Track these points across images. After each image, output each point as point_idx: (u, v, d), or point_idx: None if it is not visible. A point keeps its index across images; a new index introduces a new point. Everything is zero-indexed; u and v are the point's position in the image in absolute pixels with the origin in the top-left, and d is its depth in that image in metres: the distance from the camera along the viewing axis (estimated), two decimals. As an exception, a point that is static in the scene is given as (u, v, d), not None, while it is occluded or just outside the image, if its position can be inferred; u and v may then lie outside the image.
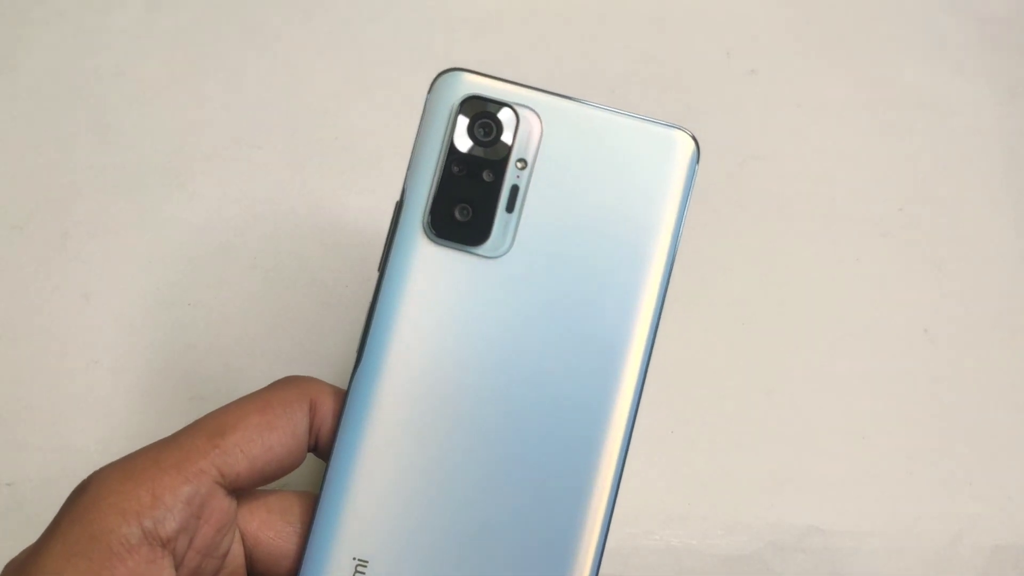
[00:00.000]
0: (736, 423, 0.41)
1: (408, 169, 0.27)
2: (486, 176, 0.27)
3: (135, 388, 0.40)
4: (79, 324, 0.41)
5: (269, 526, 0.26)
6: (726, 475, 0.40)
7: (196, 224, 0.42)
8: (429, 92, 0.27)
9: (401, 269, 0.27)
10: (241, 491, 0.26)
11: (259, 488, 0.27)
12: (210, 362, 0.40)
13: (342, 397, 0.27)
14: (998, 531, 0.41)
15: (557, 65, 0.45)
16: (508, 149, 0.26)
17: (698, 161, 0.27)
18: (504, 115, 0.27)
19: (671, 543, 0.40)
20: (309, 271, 0.42)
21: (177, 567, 0.24)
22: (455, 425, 0.26)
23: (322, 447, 0.27)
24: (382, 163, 0.43)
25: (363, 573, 0.26)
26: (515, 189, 0.27)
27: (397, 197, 0.27)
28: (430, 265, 0.26)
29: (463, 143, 0.27)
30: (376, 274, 0.27)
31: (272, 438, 0.26)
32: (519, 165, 0.27)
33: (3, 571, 0.24)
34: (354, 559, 0.26)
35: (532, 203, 0.27)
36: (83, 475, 0.39)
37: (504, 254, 0.27)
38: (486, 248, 0.26)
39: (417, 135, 0.27)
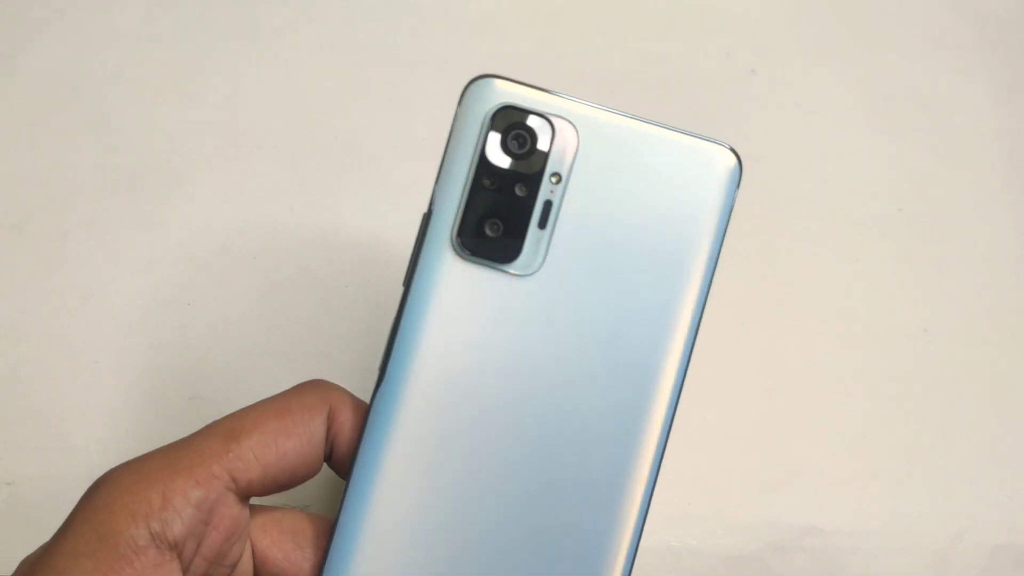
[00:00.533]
0: (736, 423, 0.41)
1: (437, 181, 0.26)
2: (519, 190, 0.25)
3: (135, 388, 0.40)
4: (79, 324, 0.41)
5: (279, 546, 0.26)
6: (726, 475, 0.40)
7: (196, 224, 0.42)
8: (460, 100, 0.26)
9: (427, 285, 0.25)
10: (255, 496, 0.26)
11: (272, 499, 0.27)
12: (209, 362, 0.40)
13: (361, 408, 0.26)
14: (998, 530, 0.41)
15: (558, 65, 0.45)
16: (542, 162, 0.25)
17: (740, 177, 0.26)
18: (539, 127, 0.25)
19: (671, 543, 0.40)
20: (308, 271, 0.42)
21: (184, 572, 0.24)
22: (481, 451, 0.25)
23: (337, 458, 0.26)
24: (382, 163, 0.43)
25: None
26: (548, 204, 0.26)
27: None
28: (458, 282, 0.25)
29: (495, 156, 0.25)
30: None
31: (288, 445, 0.25)
32: (553, 179, 0.26)
33: (18, 568, 0.24)
34: None
35: (566, 219, 0.25)
36: (83, 475, 0.39)
37: (535, 272, 0.26)
38: (517, 266, 0.26)
39: (447, 145, 0.26)
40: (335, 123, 0.44)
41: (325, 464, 0.27)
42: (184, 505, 0.24)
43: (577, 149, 0.26)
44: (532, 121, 0.25)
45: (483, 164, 0.25)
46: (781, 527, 0.40)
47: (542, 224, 0.26)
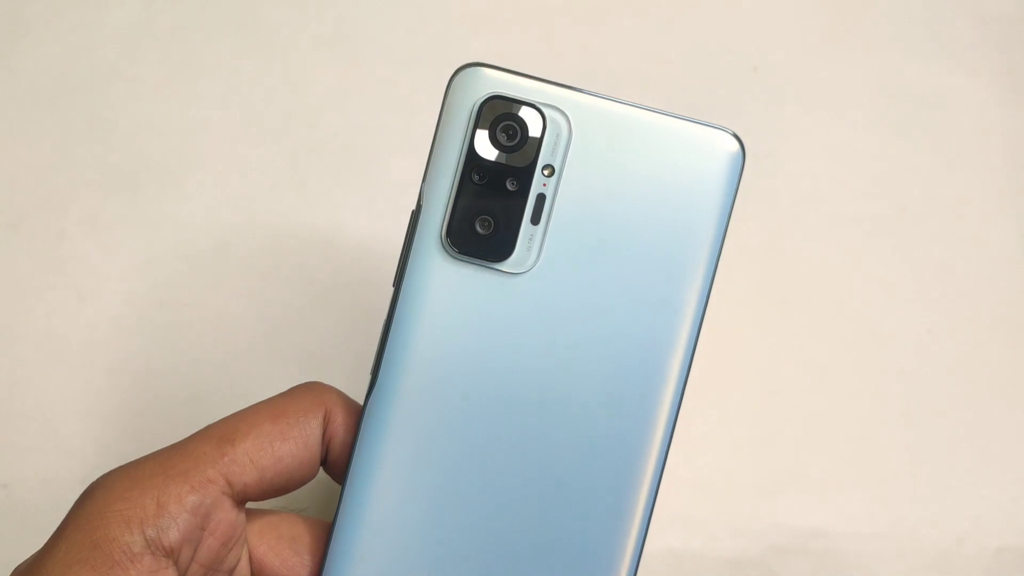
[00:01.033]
0: (738, 424, 0.41)
1: (424, 177, 0.25)
2: (510, 185, 0.25)
3: (132, 389, 0.40)
4: (75, 324, 0.40)
5: (276, 552, 0.26)
6: (728, 477, 0.40)
7: (193, 224, 0.42)
8: (447, 90, 0.25)
9: (418, 285, 0.25)
10: (251, 500, 0.25)
11: (273, 503, 0.27)
12: (207, 362, 0.40)
13: (356, 410, 0.26)
14: (1002, 532, 0.41)
15: (558, 63, 0.45)
16: (534, 155, 0.24)
17: (743, 165, 0.25)
18: (529, 117, 0.24)
19: (672, 546, 0.39)
20: (307, 271, 0.41)
21: None
22: (478, 453, 0.25)
23: (332, 461, 0.26)
24: (381, 162, 0.43)
25: None
26: (541, 198, 0.25)
27: (411, 206, 0.25)
28: (449, 282, 0.25)
29: (484, 149, 0.24)
30: (391, 289, 0.25)
31: (284, 448, 0.25)
32: (546, 172, 0.25)
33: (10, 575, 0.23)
34: None
35: (560, 214, 0.25)
36: (80, 476, 0.38)
37: (529, 270, 0.25)
38: (510, 264, 0.25)
39: (434, 138, 0.25)
40: (334, 122, 0.43)
41: (321, 468, 0.27)
42: (179, 511, 0.23)
43: (570, 139, 0.25)
44: (522, 111, 0.24)
45: (471, 158, 0.24)
46: (784, 530, 0.40)
47: (535, 219, 0.25)
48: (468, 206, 0.25)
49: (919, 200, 0.44)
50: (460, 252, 0.25)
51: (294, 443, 0.25)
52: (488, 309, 0.25)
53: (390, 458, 0.25)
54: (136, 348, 0.40)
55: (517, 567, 0.25)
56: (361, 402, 0.26)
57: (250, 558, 0.26)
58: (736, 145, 0.25)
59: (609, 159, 0.25)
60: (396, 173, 0.43)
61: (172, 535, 0.23)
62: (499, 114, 0.24)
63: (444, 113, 0.25)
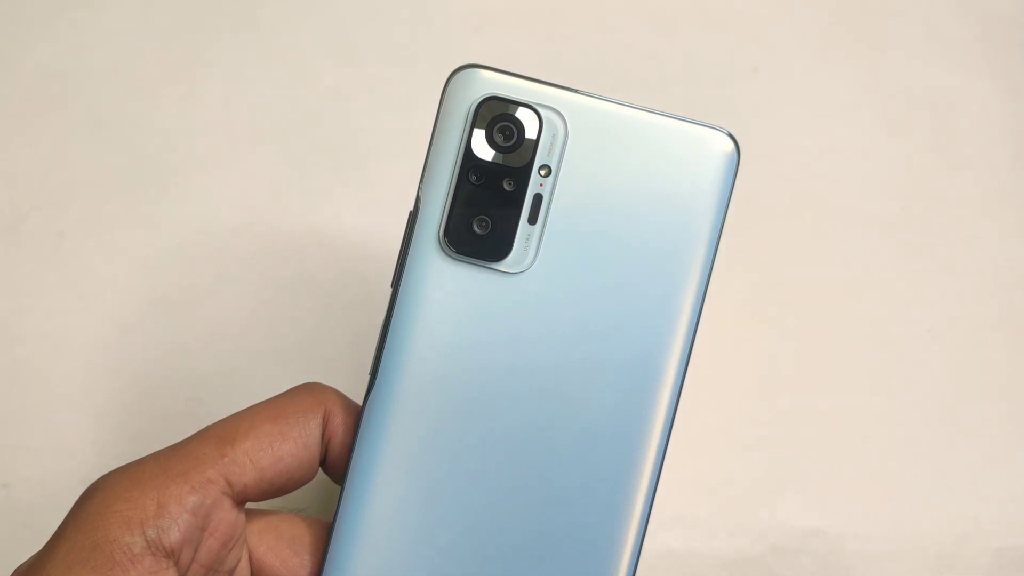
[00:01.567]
0: (738, 424, 0.41)
1: (422, 177, 0.25)
2: (507, 185, 0.25)
3: (131, 389, 0.40)
4: (75, 324, 0.40)
5: (276, 552, 0.26)
6: (728, 477, 0.40)
7: (193, 224, 0.42)
8: (443, 92, 0.25)
9: (416, 286, 0.25)
10: (251, 500, 0.25)
11: (272, 503, 0.27)
12: (206, 363, 0.40)
13: (355, 410, 0.26)
14: (1002, 532, 0.40)
15: (557, 63, 0.45)
16: (530, 155, 0.25)
17: (738, 163, 0.25)
18: (525, 117, 0.25)
19: (672, 546, 0.39)
20: (306, 271, 0.41)
21: None
22: (477, 452, 0.25)
23: (331, 461, 0.26)
24: (380, 161, 0.43)
25: None
26: (538, 198, 0.25)
27: (410, 206, 0.25)
28: (447, 282, 0.25)
29: (481, 149, 0.25)
30: (390, 289, 0.25)
31: (283, 448, 0.25)
32: (542, 172, 0.25)
33: None
34: None
35: (557, 213, 0.25)
36: (80, 476, 0.38)
37: (527, 269, 0.25)
38: (507, 263, 0.25)
39: (431, 140, 0.25)
40: (333, 122, 0.43)
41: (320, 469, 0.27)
42: (180, 511, 0.23)
43: (566, 139, 0.25)
44: (518, 112, 0.25)
45: (468, 159, 0.25)
46: (784, 530, 0.40)
47: (532, 219, 0.25)
48: (466, 206, 0.25)
49: (919, 200, 0.44)
50: (458, 252, 0.25)
51: (294, 443, 0.25)
52: (486, 308, 0.25)
53: (389, 458, 0.25)
54: (136, 348, 0.40)
55: (517, 566, 0.25)
56: (360, 402, 0.26)
57: (250, 558, 0.26)
58: (731, 144, 0.25)
59: (605, 159, 0.25)
60: (396, 173, 0.43)
61: (173, 536, 0.23)
62: (496, 115, 0.25)
63: (441, 114, 0.25)
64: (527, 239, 0.25)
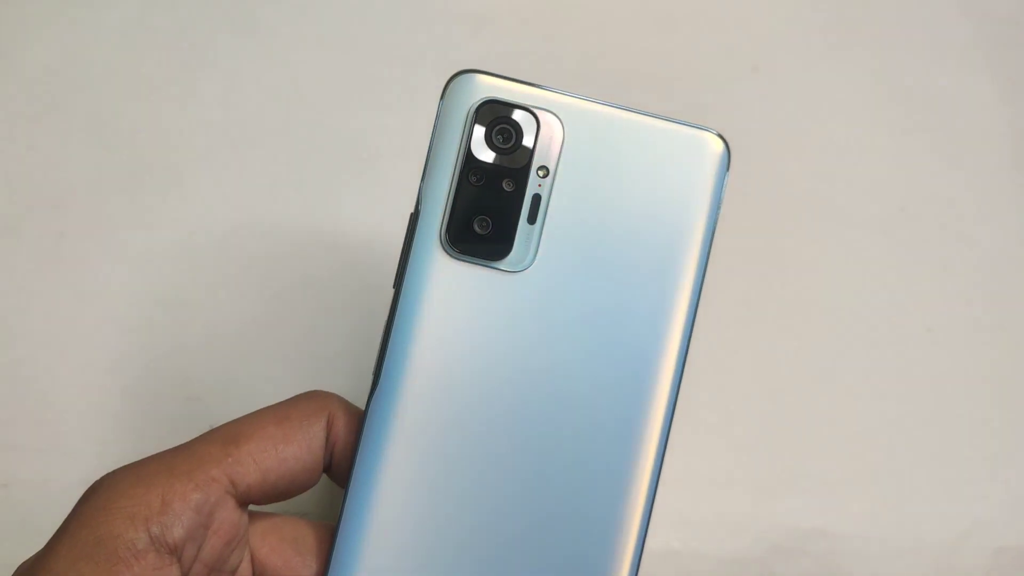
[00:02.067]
0: (738, 424, 0.41)
1: (422, 179, 0.26)
2: (506, 185, 0.25)
3: (131, 389, 0.40)
4: (75, 324, 0.40)
5: (279, 553, 0.26)
6: (729, 477, 0.40)
7: (193, 224, 0.42)
8: (442, 96, 0.25)
9: (418, 285, 0.25)
10: (254, 503, 0.26)
11: (275, 507, 0.27)
12: (206, 363, 0.40)
13: (358, 416, 0.26)
14: (1002, 533, 0.40)
15: (557, 64, 0.45)
16: (529, 156, 0.25)
17: (729, 164, 0.26)
18: (523, 120, 0.25)
19: (673, 546, 0.39)
20: (307, 271, 0.41)
21: None
22: (480, 452, 0.25)
23: (335, 466, 0.26)
24: (380, 161, 0.43)
25: None
26: (537, 198, 0.25)
27: (411, 208, 0.26)
28: (448, 281, 0.25)
29: (480, 151, 0.25)
30: (391, 289, 0.25)
31: (287, 451, 0.25)
32: (540, 173, 0.25)
33: (14, 573, 0.23)
34: None
35: (555, 213, 0.25)
36: (80, 477, 0.38)
37: (526, 268, 0.25)
38: (507, 262, 0.25)
39: (431, 143, 0.26)
40: (333, 122, 0.43)
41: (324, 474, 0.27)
42: (183, 508, 0.23)
43: (563, 141, 0.25)
44: (516, 115, 0.25)
45: (469, 160, 0.25)
46: (784, 530, 0.40)
47: (531, 219, 0.25)
48: (466, 207, 0.25)
49: (919, 200, 0.44)
50: (459, 252, 0.25)
51: (297, 446, 0.25)
52: (487, 307, 0.25)
53: (393, 457, 0.25)
54: (136, 348, 0.40)
55: (520, 567, 0.25)
56: (362, 405, 0.26)
57: (252, 560, 0.26)
58: (721, 144, 0.26)
59: (602, 160, 0.25)
60: (396, 173, 0.43)
61: (176, 532, 0.23)
62: (495, 117, 0.25)
63: (440, 118, 0.25)
64: (527, 238, 0.25)
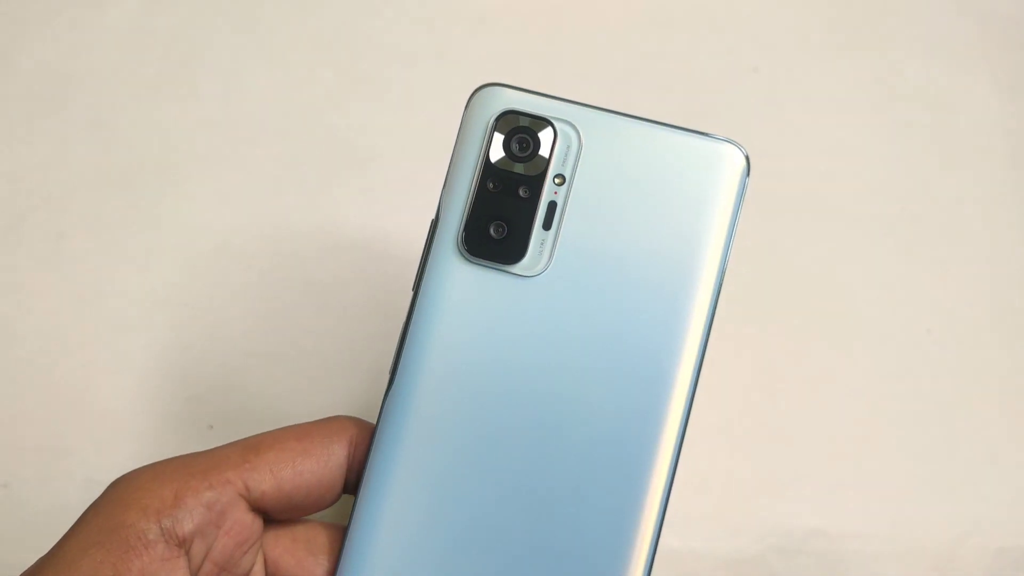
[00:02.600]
0: (738, 424, 0.41)
1: (444, 186, 0.26)
2: (522, 192, 0.26)
3: (131, 389, 0.40)
4: (75, 324, 0.40)
5: (292, 554, 0.26)
6: (728, 477, 0.40)
7: (193, 223, 0.42)
8: (466, 107, 0.26)
9: (436, 288, 0.26)
10: (268, 513, 0.26)
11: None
12: (207, 363, 0.40)
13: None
14: (1003, 533, 0.40)
15: (557, 63, 0.45)
16: (545, 164, 0.26)
17: (748, 176, 0.26)
18: (541, 129, 0.26)
19: (673, 545, 0.39)
20: (306, 271, 0.41)
21: (194, 574, 0.24)
22: (493, 454, 0.25)
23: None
24: (379, 161, 0.43)
25: None
26: (552, 206, 0.26)
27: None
28: (465, 284, 0.26)
29: (498, 159, 0.26)
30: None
31: (304, 464, 0.26)
32: (557, 181, 0.26)
33: (34, 564, 0.24)
34: None
35: (571, 220, 0.26)
36: (80, 476, 0.38)
37: (541, 273, 0.26)
38: (522, 266, 0.26)
39: (453, 151, 0.26)
40: (333, 121, 0.43)
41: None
42: (195, 504, 0.24)
43: (580, 151, 0.26)
44: (534, 124, 0.26)
45: (487, 168, 0.26)
46: (784, 530, 0.40)
47: (547, 225, 0.26)
48: (483, 211, 0.26)
49: (919, 200, 0.44)
50: (475, 255, 0.26)
51: (315, 461, 0.26)
52: (502, 309, 0.26)
53: (405, 459, 0.26)
54: (136, 348, 0.40)
55: (532, 568, 0.25)
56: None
57: (265, 562, 0.26)
58: (741, 156, 0.26)
59: (618, 170, 0.26)
60: (396, 173, 0.43)
61: (186, 526, 0.24)
62: (513, 127, 0.26)
63: (462, 128, 0.26)
64: (541, 244, 0.26)
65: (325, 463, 0.26)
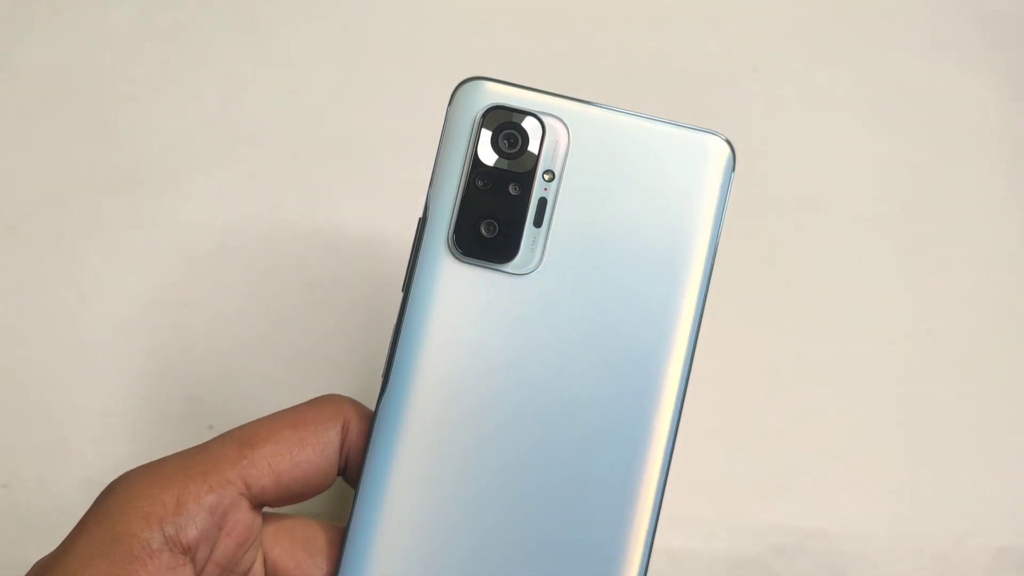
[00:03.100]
0: (738, 424, 0.41)
1: (430, 184, 0.26)
2: (512, 190, 0.26)
3: (131, 388, 0.40)
4: (75, 324, 0.40)
5: (291, 555, 0.26)
6: (728, 477, 0.40)
7: (192, 224, 0.42)
8: (450, 103, 0.26)
9: (426, 289, 0.26)
10: (267, 506, 0.26)
11: (287, 509, 0.27)
12: (207, 363, 0.40)
13: (371, 420, 0.26)
14: (1002, 532, 0.40)
15: (557, 63, 0.45)
16: (534, 161, 0.26)
17: (734, 166, 0.26)
18: (529, 125, 0.26)
19: (672, 545, 0.39)
20: (306, 271, 0.41)
21: None
22: (489, 453, 0.25)
23: (350, 470, 0.27)
24: (379, 162, 0.43)
25: None
26: (543, 202, 0.26)
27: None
28: (456, 284, 0.26)
29: (487, 156, 0.26)
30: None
31: (301, 454, 0.25)
32: (546, 177, 0.26)
33: (31, 569, 0.24)
34: None
35: (561, 216, 0.26)
36: (79, 476, 0.38)
37: (533, 271, 0.26)
38: (514, 265, 0.26)
39: (439, 148, 0.26)
40: (333, 121, 0.43)
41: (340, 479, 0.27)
42: (198, 509, 0.24)
43: (568, 146, 0.26)
44: (522, 120, 0.26)
45: (476, 165, 0.26)
46: (784, 530, 0.40)
47: (537, 222, 0.26)
48: (473, 210, 0.26)
49: (919, 200, 0.44)
50: (467, 254, 0.26)
51: (311, 450, 0.26)
52: (495, 309, 0.26)
53: (403, 459, 0.25)
54: (136, 348, 0.40)
55: (531, 568, 0.25)
56: (371, 406, 0.26)
57: (264, 560, 0.26)
58: (726, 148, 0.26)
59: (607, 164, 0.26)
60: (396, 172, 0.43)
61: (190, 533, 0.24)
62: (501, 123, 0.26)
63: (447, 124, 0.26)
64: (533, 241, 0.26)
65: (322, 451, 0.26)
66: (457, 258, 0.26)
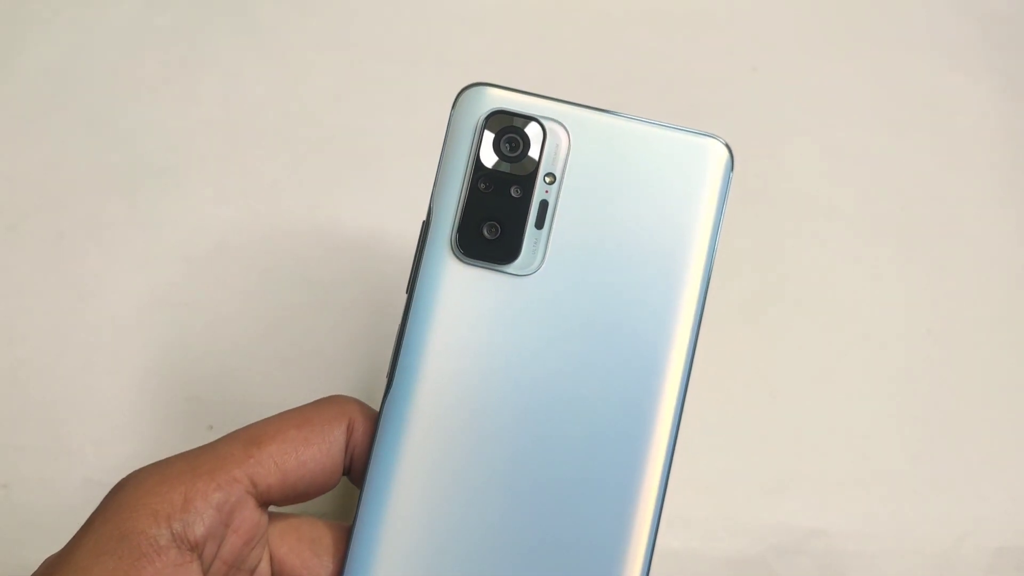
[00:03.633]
0: (738, 424, 0.41)
1: (434, 187, 0.26)
2: (514, 192, 0.26)
3: (131, 389, 0.40)
4: (75, 324, 0.40)
5: (297, 554, 0.26)
6: (728, 477, 0.40)
7: (193, 223, 0.42)
8: (453, 107, 0.26)
9: (430, 290, 0.26)
10: (273, 504, 0.26)
11: (293, 507, 0.27)
12: (207, 363, 0.40)
13: (375, 420, 0.27)
14: (1002, 532, 0.40)
15: (556, 64, 0.45)
16: (536, 164, 0.26)
17: (732, 169, 0.26)
18: (530, 129, 0.26)
19: (672, 546, 0.39)
20: (306, 271, 0.41)
21: (204, 575, 0.24)
22: (491, 450, 0.26)
23: (355, 470, 0.27)
24: (379, 161, 0.43)
25: None
26: (544, 204, 0.26)
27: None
28: (459, 285, 0.26)
29: (489, 159, 0.26)
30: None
31: (307, 453, 0.26)
32: (548, 180, 0.26)
33: (40, 567, 0.24)
34: None
35: (562, 218, 0.26)
36: (80, 476, 0.38)
37: (535, 271, 0.26)
38: (516, 266, 0.26)
39: (442, 152, 0.26)
40: (333, 121, 0.43)
41: (345, 478, 0.27)
42: (205, 507, 0.24)
43: (569, 149, 0.26)
44: (523, 124, 0.26)
45: (478, 168, 0.26)
46: (784, 530, 0.40)
47: (539, 224, 0.26)
48: (475, 212, 0.26)
49: (919, 200, 0.44)
50: (469, 256, 0.26)
51: (317, 449, 0.26)
52: (497, 309, 0.26)
53: (407, 459, 0.26)
54: (136, 348, 0.40)
55: (535, 567, 0.26)
56: (374, 405, 0.26)
57: (271, 559, 0.26)
58: (724, 150, 0.26)
59: (607, 167, 0.26)
60: (396, 173, 0.43)
61: (198, 530, 0.24)
62: (503, 127, 0.26)
63: (450, 128, 0.26)
64: (535, 243, 0.26)
65: (327, 451, 0.26)
66: (460, 259, 0.26)
